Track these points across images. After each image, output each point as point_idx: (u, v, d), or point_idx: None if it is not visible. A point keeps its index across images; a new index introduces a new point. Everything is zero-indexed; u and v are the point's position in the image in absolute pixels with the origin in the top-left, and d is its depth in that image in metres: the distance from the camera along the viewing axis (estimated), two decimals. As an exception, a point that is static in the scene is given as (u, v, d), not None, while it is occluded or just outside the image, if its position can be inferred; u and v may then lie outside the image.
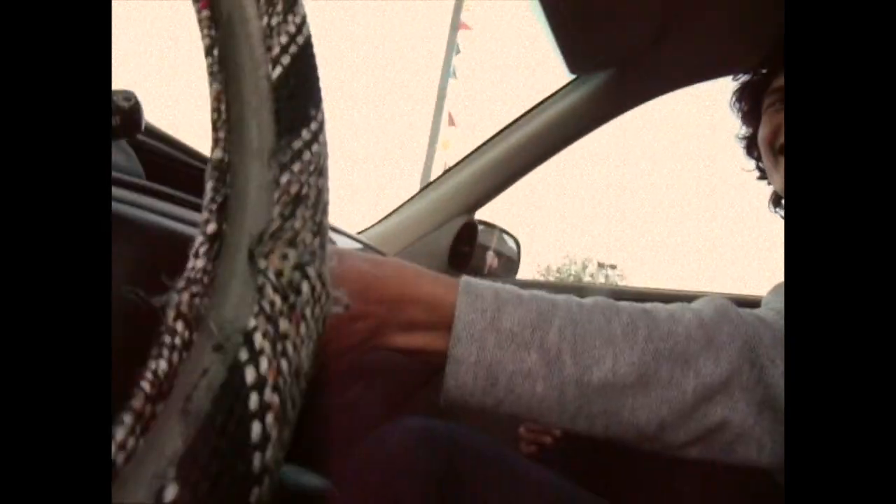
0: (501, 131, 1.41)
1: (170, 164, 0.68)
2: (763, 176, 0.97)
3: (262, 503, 0.19)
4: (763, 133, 0.84)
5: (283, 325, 0.20)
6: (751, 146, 0.97)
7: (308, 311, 0.21)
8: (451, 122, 8.01)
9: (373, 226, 1.49)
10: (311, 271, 0.21)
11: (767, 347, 0.52)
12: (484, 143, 1.42)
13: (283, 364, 0.19)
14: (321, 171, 0.24)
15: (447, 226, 1.38)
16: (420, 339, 0.50)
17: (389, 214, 1.48)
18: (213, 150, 0.26)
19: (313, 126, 0.25)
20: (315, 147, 0.24)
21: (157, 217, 0.47)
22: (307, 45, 0.27)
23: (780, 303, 0.65)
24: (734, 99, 0.96)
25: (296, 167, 0.23)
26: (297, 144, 0.24)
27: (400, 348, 0.50)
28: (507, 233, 1.61)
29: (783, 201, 0.96)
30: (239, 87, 0.26)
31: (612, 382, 0.48)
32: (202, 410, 0.18)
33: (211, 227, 0.24)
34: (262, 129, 0.24)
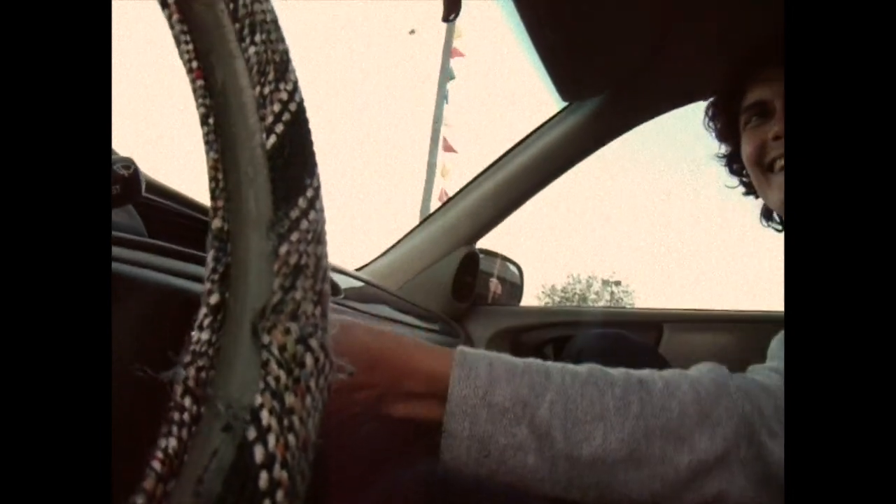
0: (498, 160, 1.42)
1: (171, 219, 0.68)
2: (748, 192, 0.98)
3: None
4: (747, 152, 0.85)
5: (289, 399, 0.20)
6: (731, 163, 0.98)
7: (313, 383, 0.21)
8: (448, 147, 8.04)
9: (374, 260, 1.49)
10: (313, 343, 0.22)
11: (768, 419, 0.52)
12: (481, 174, 1.43)
13: (291, 439, 0.20)
14: (319, 239, 0.24)
15: (449, 257, 1.38)
16: (418, 409, 0.51)
17: (390, 248, 1.48)
18: (212, 218, 0.26)
19: (309, 193, 0.25)
20: (312, 214, 0.25)
21: (158, 274, 0.48)
22: (300, 112, 0.27)
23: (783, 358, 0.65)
24: (707, 119, 0.97)
25: (294, 237, 0.23)
26: (293, 214, 0.24)
27: (399, 417, 0.52)
28: (509, 259, 1.62)
29: (775, 215, 0.97)
30: (235, 157, 0.26)
31: (602, 458, 0.49)
32: (213, 492, 0.18)
33: (214, 299, 0.24)
34: (259, 199, 0.24)
